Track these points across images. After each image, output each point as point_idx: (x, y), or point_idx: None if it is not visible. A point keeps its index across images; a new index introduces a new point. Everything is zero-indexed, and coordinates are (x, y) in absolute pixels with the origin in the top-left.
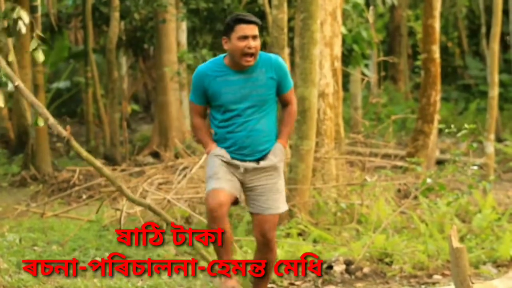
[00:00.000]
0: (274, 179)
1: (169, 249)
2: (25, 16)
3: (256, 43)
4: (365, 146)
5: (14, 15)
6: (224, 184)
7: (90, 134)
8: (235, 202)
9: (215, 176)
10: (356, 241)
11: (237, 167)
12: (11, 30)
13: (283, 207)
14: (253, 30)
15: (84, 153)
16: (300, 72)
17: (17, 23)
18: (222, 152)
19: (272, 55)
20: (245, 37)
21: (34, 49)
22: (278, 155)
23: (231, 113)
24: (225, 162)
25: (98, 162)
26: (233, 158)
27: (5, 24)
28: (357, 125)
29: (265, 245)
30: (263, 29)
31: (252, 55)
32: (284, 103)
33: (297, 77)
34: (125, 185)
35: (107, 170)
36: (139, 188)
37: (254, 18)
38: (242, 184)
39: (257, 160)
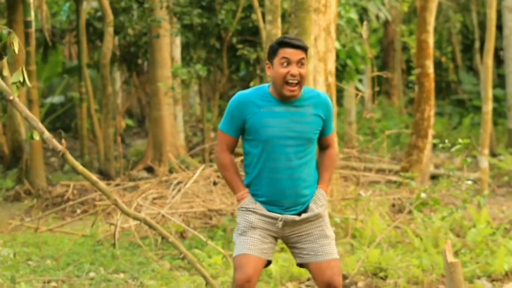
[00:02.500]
0: (320, 227)
1: (164, 264)
2: (16, 44)
3: (302, 71)
4: (359, 161)
5: (8, 41)
6: (254, 251)
7: (84, 149)
8: (268, 264)
9: (246, 236)
10: (351, 256)
11: (274, 219)
12: (5, 53)
13: (335, 254)
14: (299, 55)
15: (79, 167)
16: None
17: (10, 48)
18: (257, 206)
19: (320, 92)
20: (288, 63)
21: (14, 83)
22: (321, 202)
23: (271, 149)
24: (259, 215)
25: (93, 176)
26: (269, 210)
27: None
28: (351, 140)
29: None
30: (256, 44)
31: (296, 84)
32: (324, 146)
33: None
34: (119, 199)
35: (102, 184)
36: (133, 202)
37: (301, 43)
38: (282, 239)
39: (298, 213)
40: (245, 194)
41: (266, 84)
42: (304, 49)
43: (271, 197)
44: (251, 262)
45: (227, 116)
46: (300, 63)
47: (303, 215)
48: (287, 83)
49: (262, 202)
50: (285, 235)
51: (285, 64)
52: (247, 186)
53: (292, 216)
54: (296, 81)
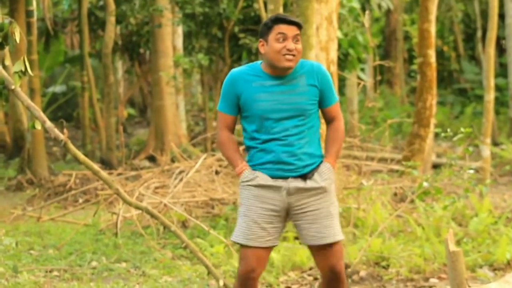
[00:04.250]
0: (326, 202)
1: (166, 253)
2: (17, 34)
3: (298, 46)
4: (362, 150)
5: (9, 30)
6: (255, 241)
7: (86, 138)
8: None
9: (248, 223)
10: (353, 245)
11: (278, 189)
12: (7, 42)
13: (339, 234)
14: (294, 31)
15: (81, 156)
16: None
17: (11, 37)
18: (257, 175)
19: (314, 62)
20: (284, 38)
21: (16, 72)
22: (326, 174)
23: (267, 124)
24: (261, 187)
25: (95, 166)
26: (273, 177)
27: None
28: (353, 129)
29: (334, 280)
30: (258, 34)
31: (293, 56)
32: (329, 119)
33: None
34: (121, 189)
35: (104, 173)
36: (135, 192)
37: (295, 19)
38: (288, 212)
39: (302, 177)
40: (244, 167)
41: (259, 61)
42: (299, 25)
43: (270, 164)
44: (254, 253)
45: (222, 95)
46: (296, 39)
47: (308, 183)
48: (283, 55)
49: (264, 169)
50: (292, 205)
51: (281, 39)
52: (249, 161)
53: (296, 183)
54: (292, 55)
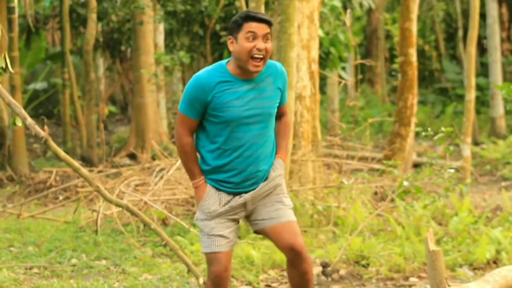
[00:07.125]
0: (277, 195)
1: (146, 251)
2: None
3: (267, 45)
4: (342, 148)
5: None
6: (224, 246)
7: (67, 136)
8: None
9: (214, 237)
10: (333, 243)
11: (240, 206)
12: None
13: (291, 216)
14: (265, 29)
15: (62, 153)
16: None
17: None
18: (213, 207)
19: (276, 63)
20: (254, 37)
21: None
22: (278, 170)
23: (238, 130)
24: (219, 216)
25: (76, 163)
26: (230, 193)
27: None
28: (334, 127)
29: (296, 256)
30: None
31: (261, 59)
32: (279, 115)
33: None
34: (102, 186)
35: (84, 170)
36: (115, 189)
37: (266, 17)
38: (246, 215)
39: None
40: (201, 182)
41: (224, 61)
42: (269, 23)
43: (232, 179)
44: (224, 255)
45: (187, 100)
46: (266, 37)
47: (260, 185)
48: (252, 57)
49: (221, 181)
50: (248, 210)
51: (250, 38)
52: (207, 172)
53: (250, 194)
54: (261, 56)
